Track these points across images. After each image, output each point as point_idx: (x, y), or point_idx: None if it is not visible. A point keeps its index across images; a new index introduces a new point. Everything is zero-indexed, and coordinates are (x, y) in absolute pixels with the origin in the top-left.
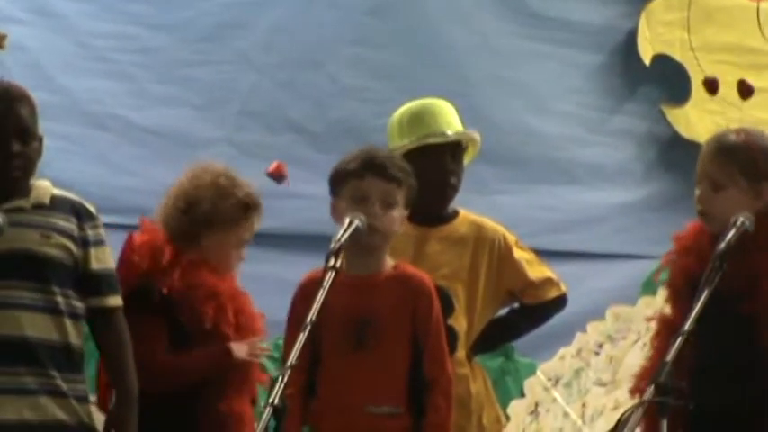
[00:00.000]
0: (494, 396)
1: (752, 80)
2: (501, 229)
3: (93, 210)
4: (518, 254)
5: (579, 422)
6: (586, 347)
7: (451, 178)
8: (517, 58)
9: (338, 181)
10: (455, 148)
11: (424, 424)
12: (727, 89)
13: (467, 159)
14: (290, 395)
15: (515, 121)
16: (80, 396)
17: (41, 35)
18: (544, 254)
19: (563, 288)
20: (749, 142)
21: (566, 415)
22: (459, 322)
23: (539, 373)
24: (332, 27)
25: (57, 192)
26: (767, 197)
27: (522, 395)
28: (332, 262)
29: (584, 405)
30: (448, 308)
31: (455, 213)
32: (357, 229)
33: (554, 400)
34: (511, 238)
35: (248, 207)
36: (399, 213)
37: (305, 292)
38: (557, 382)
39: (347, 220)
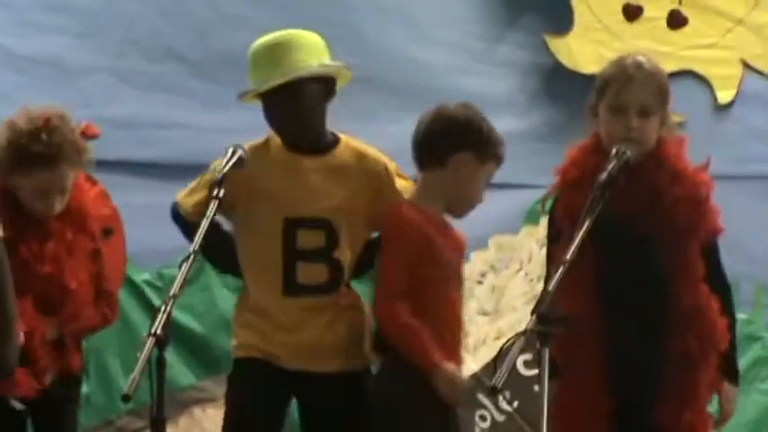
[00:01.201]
0: (372, 323)
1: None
2: (383, 158)
3: None
4: (398, 183)
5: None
6: (470, 277)
7: (289, 120)
8: None
9: (481, 147)
10: (292, 88)
11: None
12: (610, 18)
13: (341, 82)
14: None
15: (399, 49)
16: None
17: None
18: None
19: None
20: (659, 67)
21: None
22: (344, 254)
23: None
24: None
25: None
26: (667, 122)
27: None
28: (215, 192)
29: (467, 334)
30: (335, 240)
31: (336, 140)
32: (240, 159)
33: None
34: (392, 167)
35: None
36: None
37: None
38: None
39: (230, 150)
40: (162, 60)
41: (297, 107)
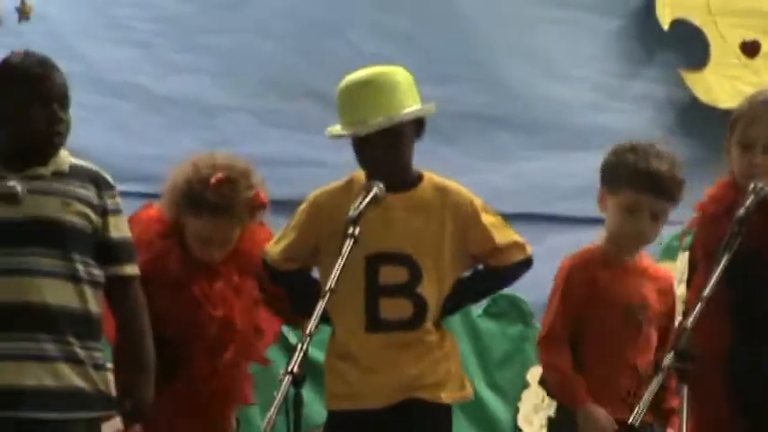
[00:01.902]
0: (459, 363)
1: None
2: (467, 194)
3: (110, 179)
4: (485, 218)
5: None
6: None
7: (389, 161)
8: (535, 23)
9: (607, 177)
10: (388, 130)
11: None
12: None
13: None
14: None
15: (534, 87)
16: (97, 364)
17: (61, 3)
18: (565, 220)
19: (529, 251)
20: None
21: None
22: (428, 291)
23: None
24: None
25: (75, 161)
26: None
27: None
28: (350, 230)
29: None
30: (418, 276)
31: (419, 177)
32: (375, 196)
33: None
34: (478, 202)
35: (196, 203)
36: (663, 224)
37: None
38: None
39: (365, 187)
40: (299, 99)
41: (397, 148)
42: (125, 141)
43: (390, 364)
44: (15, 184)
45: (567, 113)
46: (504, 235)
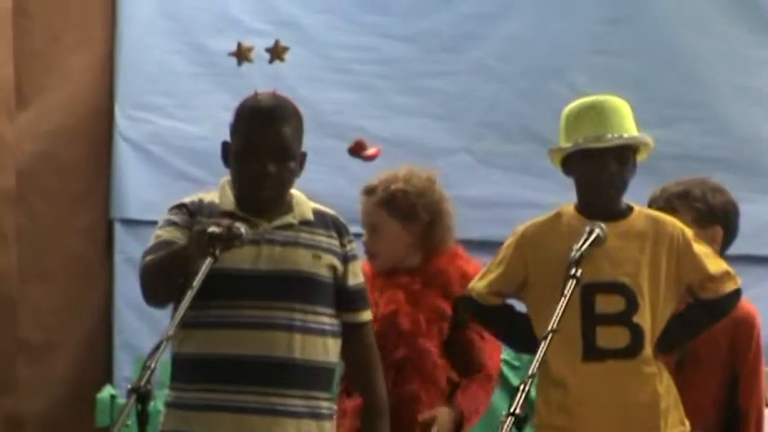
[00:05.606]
0: (678, 398)
1: None
2: (679, 224)
3: (346, 223)
4: (697, 248)
5: None
6: None
7: (614, 180)
8: (758, 66)
9: None
10: (620, 150)
11: None
12: None
13: (641, 157)
14: None
15: (756, 129)
16: (332, 414)
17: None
18: None
19: (739, 282)
20: None
21: None
22: (645, 319)
23: None
24: (569, 36)
25: (314, 206)
26: None
27: None
28: (573, 271)
29: None
30: (634, 305)
31: (630, 209)
32: (598, 237)
33: None
34: (689, 232)
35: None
36: None
37: None
38: None
39: (587, 229)
40: (520, 141)
41: (626, 167)
42: (346, 183)
43: (609, 395)
44: (240, 226)
45: None
46: (716, 264)
